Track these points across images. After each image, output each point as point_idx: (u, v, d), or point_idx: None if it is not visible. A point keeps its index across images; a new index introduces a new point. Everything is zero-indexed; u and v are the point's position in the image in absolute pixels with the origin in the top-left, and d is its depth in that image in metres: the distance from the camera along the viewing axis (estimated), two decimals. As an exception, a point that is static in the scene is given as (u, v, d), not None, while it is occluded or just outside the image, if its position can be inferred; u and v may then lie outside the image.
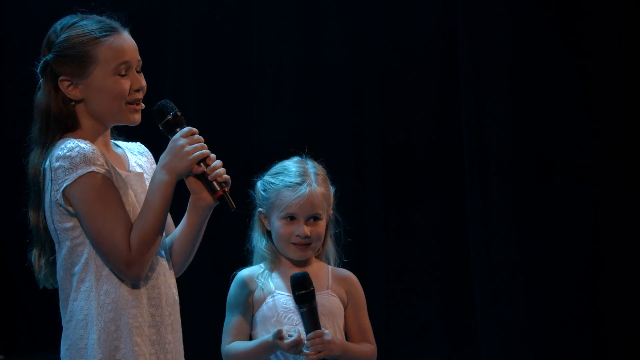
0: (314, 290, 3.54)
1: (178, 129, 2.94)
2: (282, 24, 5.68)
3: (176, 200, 2.94)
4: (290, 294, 3.60)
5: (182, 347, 3.08)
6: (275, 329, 3.49)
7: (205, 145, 2.93)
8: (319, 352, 3.49)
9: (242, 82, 5.72)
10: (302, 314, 3.53)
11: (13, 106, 5.62)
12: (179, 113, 2.98)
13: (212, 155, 2.95)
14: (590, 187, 5.43)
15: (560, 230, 5.44)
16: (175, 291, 3.05)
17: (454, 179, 5.59)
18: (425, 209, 5.65)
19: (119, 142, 3.13)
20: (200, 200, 2.99)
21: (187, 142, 2.91)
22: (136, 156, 3.14)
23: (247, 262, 3.77)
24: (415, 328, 5.60)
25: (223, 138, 5.63)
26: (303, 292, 3.52)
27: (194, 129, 2.95)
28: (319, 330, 3.51)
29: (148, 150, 3.19)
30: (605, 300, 5.38)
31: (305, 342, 3.49)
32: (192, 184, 2.97)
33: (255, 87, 5.67)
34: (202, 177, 2.94)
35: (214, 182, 2.93)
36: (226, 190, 2.95)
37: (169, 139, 2.95)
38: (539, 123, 5.49)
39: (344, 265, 3.78)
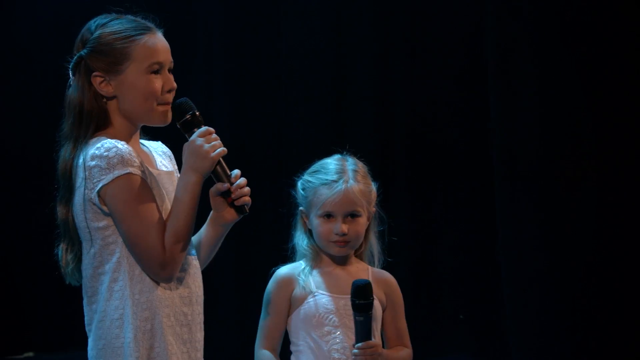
0: (373, 300, 3.52)
1: (196, 129, 2.97)
2: (309, 22, 5.66)
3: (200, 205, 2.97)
4: (331, 294, 3.60)
5: None
6: None
7: (221, 143, 2.95)
8: None
9: (269, 80, 5.72)
10: (357, 322, 3.51)
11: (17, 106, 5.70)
12: (197, 112, 2.99)
13: (237, 172, 2.99)
14: (621, 187, 5.34)
15: (590, 229, 5.35)
16: (202, 290, 3.07)
17: (482, 177, 5.53)
18: (452, 206, 5.61)
19: (143, 141, 3.15)
20: (221, 217, 3.07)
21: (205, 141, 2.93)
22: (161, 156, 3.15)
23: (273, 259, 3.77)
24: (442, 324, 5.57)
25: (251, 136, 5.65)
26: (364, 302, 3.49)
27: (211, 129, 2.97)
28: (372, 341, 3.51)
29: (170, 150, 3.21)
30: (635, 299, 5.29)
31: (355, 350, 3.49)
32: (215, 202, 3.04)
33: (283, 84, 5.67)
34: (226, 194, 3.00)
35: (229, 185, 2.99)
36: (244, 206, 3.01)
37: (186, 138, 2.97)
38: (568, 123, 5.41)
39: (388, 264, 3.76)
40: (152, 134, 3.17)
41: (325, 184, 3.62)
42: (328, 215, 3.62)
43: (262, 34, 5.73)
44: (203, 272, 3.10)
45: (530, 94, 5.41)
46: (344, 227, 3.60)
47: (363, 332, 3.49)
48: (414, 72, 5.66)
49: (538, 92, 5.41)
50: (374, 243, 3.74)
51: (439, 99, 5.65)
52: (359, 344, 3.49)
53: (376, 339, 3.60)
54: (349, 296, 3.52)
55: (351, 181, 3.63)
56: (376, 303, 3.63)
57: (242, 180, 3.00)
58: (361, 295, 3.48)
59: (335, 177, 3.63)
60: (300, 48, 5.67)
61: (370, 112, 5.66)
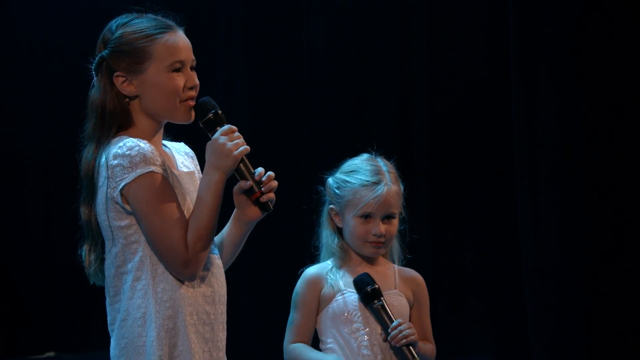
0: (378, 286, 3.57)
1: (218, 128, 2.96)
2: (330, 20, 5.67)
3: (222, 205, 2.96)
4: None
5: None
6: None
7: (244, 141, 2.94)
8: (409, 336, 3.52)
9: (291, 76, 5.72)
10: (377, 310, 3.55)
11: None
12: (219, 111, 2.99)
13: (260, 170, 2.98)
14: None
15: (612, 229, 5.32)
16: (225, 289, 3.06)
17: (504, 177, 5.53)
18: (474, 206, 5.60)
19: (165, 142, 3.14)
20: (244, 216, 3.06)
21: (227, 139, 2.92)
22: (182, 156, 3.15)
23: (296, 259, 3.76)
24: (463, 324, 5.55)
25: (271, 135, 5.64)
26: (372, 288, 3.55)
27: (234, 127, 2.96)
28: (401, 320, 3.55)
29: (192, 151, 3.20)
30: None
31: (391, 332, 3.52)
32: (238, 200, 3.03)
33: (304, 81, 5.67)
34: (249, 192, 2.98)
35: (252, 183, 2.96)
36: (264, 192, 2.99)
37: (209, 136, 2.97)
38: (588, 123, 5.37)
39: (408, 262, 3.78)
40: (174, 134, 3.17)
41: (365, 185, 3.64)
42: (366, 216, 3.64)
43: (283, 32, 5.73)
44: (225, 272, 3.09)
45: (551, 94, 5.39)
46: (383, 228, 3.64)
47: (386, 316, 3.54)
48: (435, 71, 5.65)
49: (558, 92, 5.39)
50: (395, 242, 3.76)
51: (460, 98, 5.64)
52: (393, 324, 3.52)
53: None
54: None
55: (389, 183, 3.66)
56: (404, 301, 3.68)
57: (270, 174, 2.98)
58: (366, 283, 3.55)
59: (375, 178, 3.65)
60: (320, 46, 5.66)
61: (391, 111, 5.65)
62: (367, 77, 5.68)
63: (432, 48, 5.66)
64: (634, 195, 5.32)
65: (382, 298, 3.55)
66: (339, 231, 3.72)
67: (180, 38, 2.99)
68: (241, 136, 2.95)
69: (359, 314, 3.60)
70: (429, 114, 5.65)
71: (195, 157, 3.19)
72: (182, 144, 3.20)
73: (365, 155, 3.75)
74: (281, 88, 5.74)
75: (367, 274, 3.58)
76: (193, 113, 3.00)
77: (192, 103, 2.99)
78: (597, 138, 5.36)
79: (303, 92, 5.69)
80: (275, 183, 2.99)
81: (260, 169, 3.00)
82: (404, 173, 3.66)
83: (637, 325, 5.29)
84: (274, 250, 5.56)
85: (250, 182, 2.96)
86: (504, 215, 5.55)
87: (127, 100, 2.98)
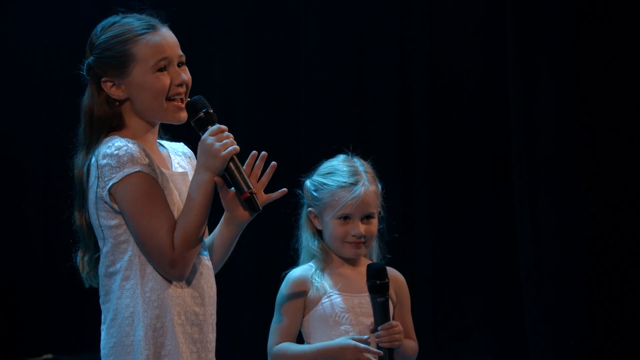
0: (389, 281, 3.54)
1: (209, 127, 2.95)
2: (330, 15, 5.65)
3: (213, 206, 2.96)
4: (344, 294, 3.62)
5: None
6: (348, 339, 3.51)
7: (234, 141, 2.93)
8: (395, 342, 3.51)
9: (289, 77, 5.71)
10: (378, 304, 3.54)
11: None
12: (210, 110, 2.98)
13: (253, 152, 2.98)
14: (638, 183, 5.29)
15: (610, 229, 5.30)
16: (215, 291, 3.06)
17: (502, 179, 5.51)
18: (473, 209, 5.58)
19: (163, 142, 3.14)
20: (234, 218, 3.05)
21: (216, 139, 2.91)
22: (179, 157, 3.15)
23: (294, 261, 3.75)
24: (463, 327, 5.54)
25: (270, 134, 5.63)
26: (381, 282, 3.53)
27: (223, 127, 2.95)
28: (394, 322, 3.54)
29: (191, 151, 3.19)
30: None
31: (378, 331, 3.52)
32: (226, 202, 3.02)
33: (303, 81, 5.66)
34: (232, 177, 2.96)
35: (242, 183, 2.94)
36: (253, 192, 2.97)
37: (200, 135, 2.96)
38: (588, 122, 5.35)
39: (389, 261, 3.76)
40: (172, 133, 3.16)
41: (343, 186, 3.63)
42: (345, 217, 3.63)
43: (282, 31, 5.72)
44: (221, 274, 3.09)
45: (550, 94, 5.39)
46: (362, 229, 3.63)
47: (385, 313, 3.53)
48: (435, 71, 5.63)
49: (557, 92, 5.39)
50: (373, 242, 3.74)
51: (460, 98, 5.63)
52: (383, 325, 3.51)
53: None
54: (362, 295, 3.58)
55: (367, 183, 3.65)
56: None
57: (264, 153, 3.00)
58: (380, 276, 3.53)
59: (352, 179, 3.64)
60: (320, 46, 5.65)
61: (391, 111, 5.63)
62: (366, 77, 5.66)
63: (432, 48, 5.64)
64: (632, 195, 5.31)
65: (387, 294, 3.54)
66: (318, 233, 3.70)
67: (162, 36, 2.98)
68: (231, 136, 2.94)
69: (347, 315, 3.59)
70: (429, 113, 5.63)
71: (193, 158, 3.17)
72: (182, 144, 3.21)
73: (341, 156, 3.74)
74: (280, 88, 5.73)
75: (384, 266, 3.57)
76: (185, 113, 2.99)
77: (181, 104, 2.98)
78: (596, 138, 5.35)
79: (302, 92, 5.67)
80: (274, 164, 3.02)
81: (253, 152, 3.01)
82: (404, 173, 3.64)
83: (637, 325, 5.27)
84: (273, 251, 5.54)
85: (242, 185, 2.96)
86: (503, 217, 5.53)
87: (118, 103, 2.99)
